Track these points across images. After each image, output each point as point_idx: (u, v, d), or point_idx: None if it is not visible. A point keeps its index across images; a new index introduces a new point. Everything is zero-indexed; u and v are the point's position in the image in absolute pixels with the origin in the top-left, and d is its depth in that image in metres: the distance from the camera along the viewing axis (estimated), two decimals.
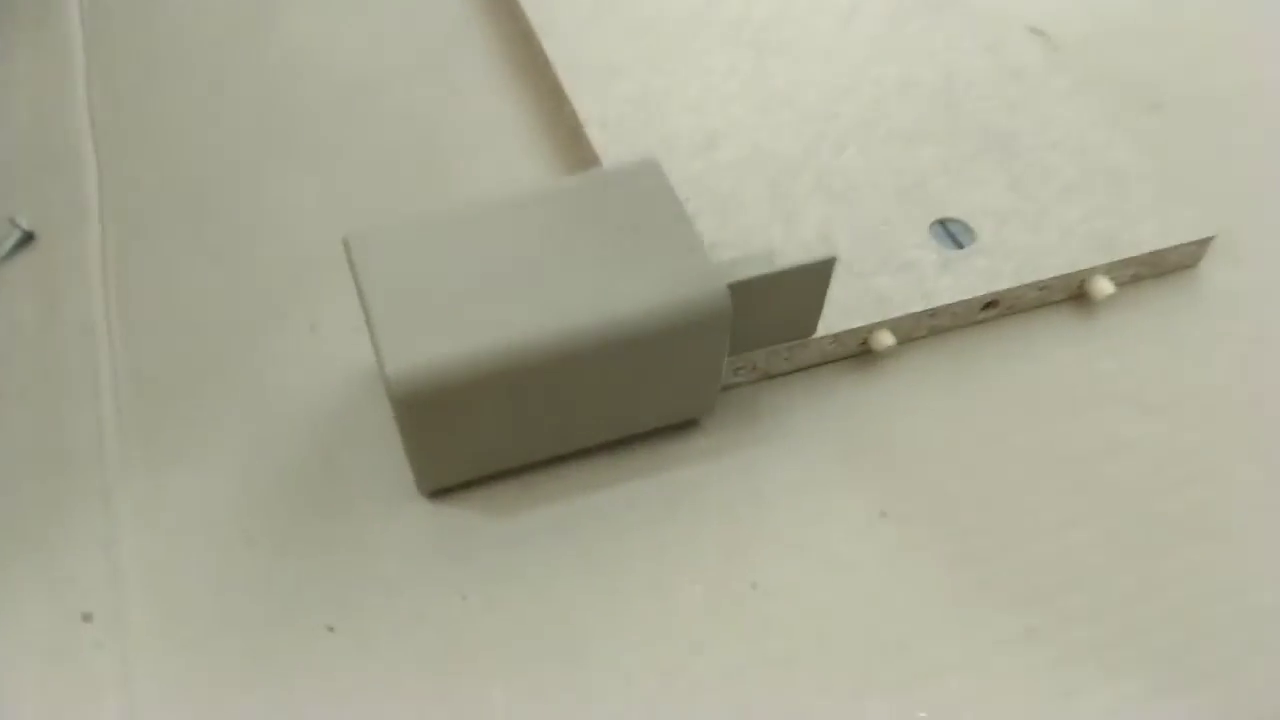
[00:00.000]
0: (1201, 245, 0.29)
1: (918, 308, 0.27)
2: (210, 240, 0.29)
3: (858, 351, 0.27)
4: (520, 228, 0.23)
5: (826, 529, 0.24)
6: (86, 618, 0.22)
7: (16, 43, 0.35)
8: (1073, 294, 0.28)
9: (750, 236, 0.28)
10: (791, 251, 0.24)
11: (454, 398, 0.21)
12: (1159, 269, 0.29)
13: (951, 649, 0.23)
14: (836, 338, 0.26)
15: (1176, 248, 0.29)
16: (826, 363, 0.27)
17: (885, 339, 0.27)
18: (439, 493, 0.24)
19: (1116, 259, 0.28)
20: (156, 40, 0.35)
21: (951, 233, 0.28)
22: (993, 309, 0.28)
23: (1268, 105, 0.34)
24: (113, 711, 0.21)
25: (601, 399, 0.23)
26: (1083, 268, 0.28)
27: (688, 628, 0.23)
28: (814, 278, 0.24)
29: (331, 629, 0.22)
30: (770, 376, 0.27)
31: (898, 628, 0.23)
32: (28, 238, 0.29)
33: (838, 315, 0.26)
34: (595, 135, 0.30)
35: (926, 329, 0.27)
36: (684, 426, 0.26)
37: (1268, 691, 0.22)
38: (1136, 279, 0.29)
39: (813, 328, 0.25)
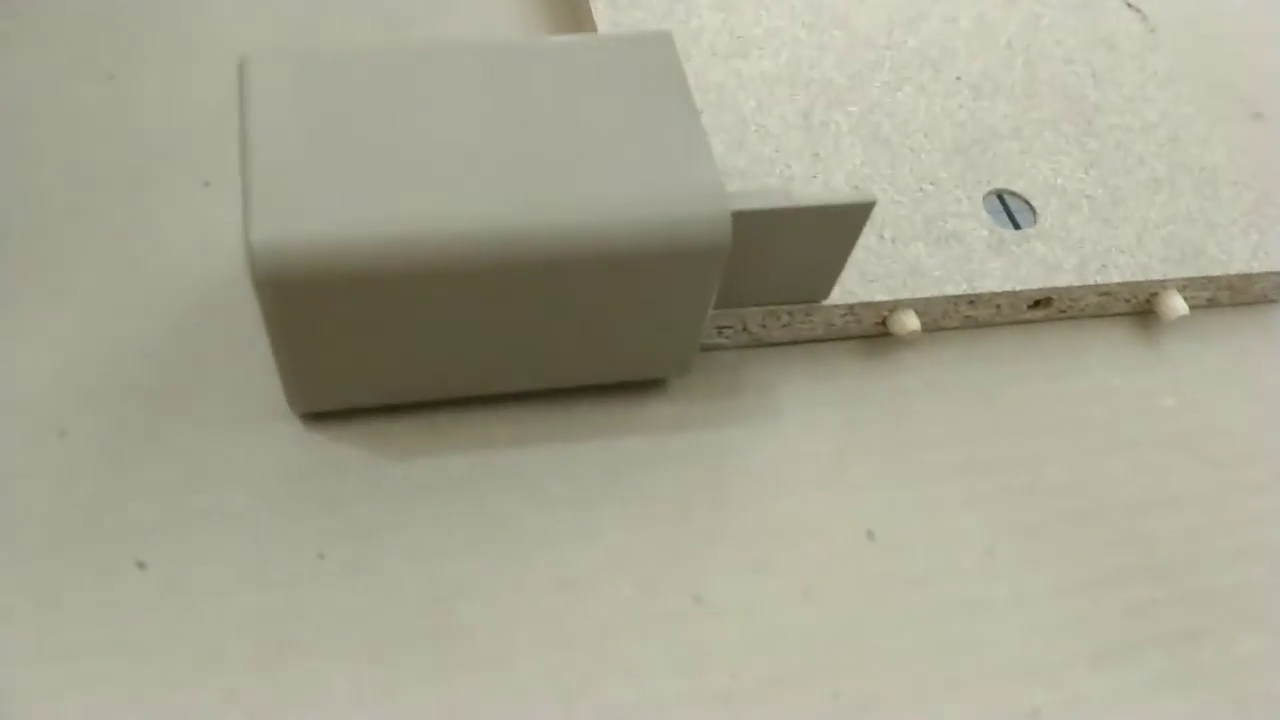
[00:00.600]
0: None
1: (955, 291, 0.22)
2: (105, 54, 0.23)
3: (874, 332, 0.22)
4: (476, 88, 0.17)
5: (799, 542, 0.19)
6: None
7: None
8: (1139, 307, 0.23)
9: (767, 170, 0.22)
10: (815, 192, 0.18)
11: (343, 290, 0.15)
12: (1242, 297, 0.24)
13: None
14: (852, 309, 0.21)
15: (1269, 275, 0.24)
16: (833, 339, 0.22)
17: (910, 322, 0.21)
18: (316, 416, 0.19)
19: (1198, 275, 0.23)
20: None
21: (1010, 208, 0.23)
22: (1042, 308, 0.23)
23: None
24: None
25: (543, 332, 0.18)
26: (1156, 278, 0.23)
27: (603, 638, 0.18)
28: (843, 225, 0.18)
29: (142, 565, 0.17)
30: (762, 344, 0.22)
31: (863, 683, 0.18)
32: None
33: (857, 282, 0.21)
34: (600, 9, 0.24)
35: (960, 319, 0.22)
36: (646, 387, 0.20)
37: None
38: (1214, 304, 0.24)
39: (827, 291, 0.20)
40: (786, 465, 0.20)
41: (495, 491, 0.19)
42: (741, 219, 0.17)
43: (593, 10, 0.24)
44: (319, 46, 0.17)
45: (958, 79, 0.25)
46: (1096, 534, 0.20)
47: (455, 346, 0.17)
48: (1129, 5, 0.30)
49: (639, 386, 0.20)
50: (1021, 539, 0.20)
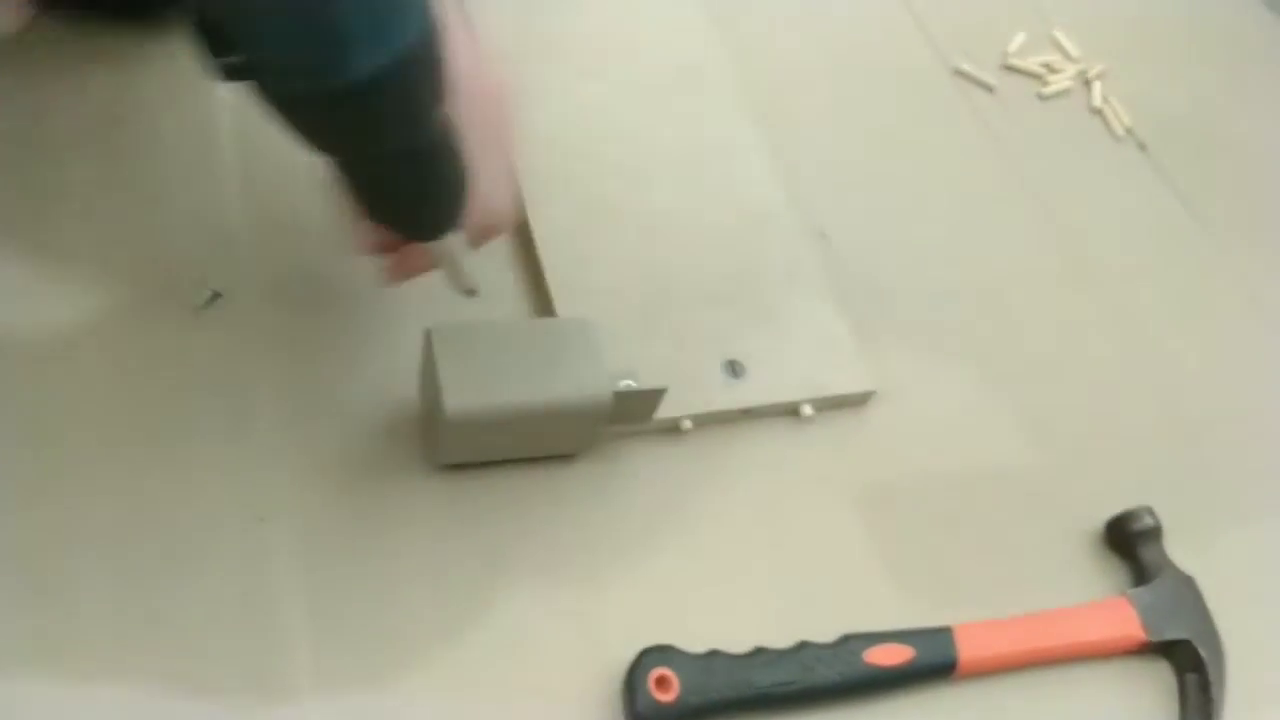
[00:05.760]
0: (867, 394, 0.53)
1: (707, 409, 0.49)
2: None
3: (670, 428, 0.50)
4: (518, 339, 0.44)
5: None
6: None
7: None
8: (789, 411, 0.52)
9: (629, 356, 0.50)
10: (647, 375, 0.46)
11: (472, 425, 0.42)
12: (842, 404, 0.53)
13: None
14: (660, 420, 0.49)
15: (856, 394, 0.52)
16: (651, 432, 0.49)
17: (686, 424, 0.49)
18: (448, 467, 0.45)
19: (818, 395, 0.52)
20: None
21: (733, 367, 0.51)
22: (748, 413, 0.51)
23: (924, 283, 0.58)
24: None
25: (542, 437, 0.45)
26: (798, 398, 0.51)
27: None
28: (654, 395, 0.46)
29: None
30: (625, 436, 0.49)
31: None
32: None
33: (662, 409, 0.49)
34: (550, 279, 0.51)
35: (710, 420, 0.50)
36: (570, 457, 0.48)
37: None
38: (829, 406, 0.53)
39: (650, 416, 0.48)
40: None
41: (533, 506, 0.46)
42: (617, 395, 0.44)
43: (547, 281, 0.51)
44: (470, 323, 0.44)
45: (704, 300, 0.53)
46: (735, 532, 0.49)
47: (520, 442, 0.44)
48: (820, 235, 0.59)
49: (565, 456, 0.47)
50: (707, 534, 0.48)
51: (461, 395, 0.42)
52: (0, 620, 0.39)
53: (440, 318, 0.44)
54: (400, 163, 0.37)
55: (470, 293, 0.44)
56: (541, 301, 0.52)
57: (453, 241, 0.42)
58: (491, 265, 0.52)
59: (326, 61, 0.31)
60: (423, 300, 0.50)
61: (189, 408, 0.45)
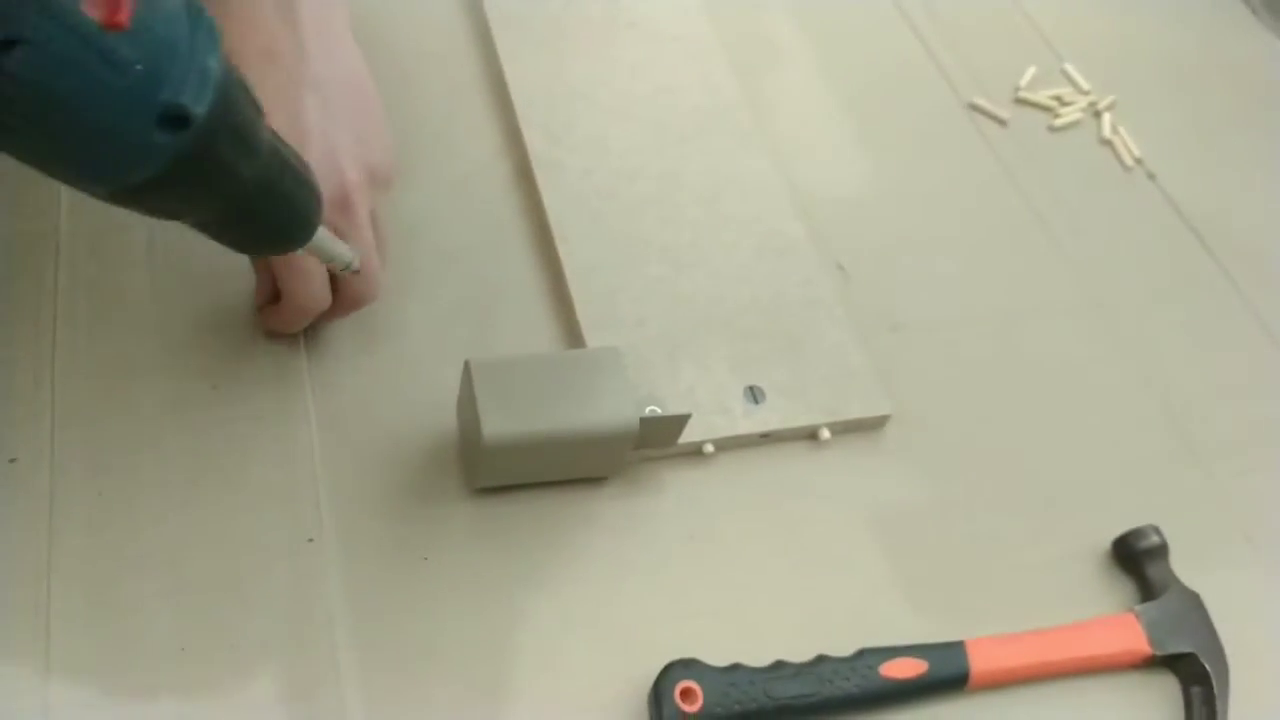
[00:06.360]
0: (883, 418, 0.55)
1: (729, 433, 0.52)
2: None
3: (694, 451, 0.52)
4: (550, 370, 0.47)
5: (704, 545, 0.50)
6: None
7: None
8: (808, 435, 0.54)
9: (654, 384, 0.52)
10: (671, 402, 0.49)
11: (508, 448, 0.45)
12: (858, 427, 0.55)
13: None
14: (684, 444, 0.51)
15: (872, 418, 0.55)
16: (676, 455, 0.52)
17: (709, 447, 0.52)
18: (485, 490, 0.48)
19: (835, 419, 0.54)
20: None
21: (753, 393, 0.54)
22: (768, 437, 0.53)
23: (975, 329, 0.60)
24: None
25: (573, 461, 0.48)
26: (816, 422, 0.54)
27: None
28: (679, 421, 0.49)
29: (426, 558, 0.46)
30: (651, 459, 0.52)
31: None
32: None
33: (686, 433, 0.51)
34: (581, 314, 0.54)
35: (732, 444, 0.53)
36: (599, 479, 0.50)
37: None
38: (846, 430, 0.55)
39: (674, 441, 0.50)
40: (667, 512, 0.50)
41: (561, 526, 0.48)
42: (643, 420, 0.47)
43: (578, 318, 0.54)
44: (502, 355, 0.47)
45: (734, 332, 0.56)
46: (770, 547, 0.51)
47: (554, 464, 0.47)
48: (839, 267, 0.61)
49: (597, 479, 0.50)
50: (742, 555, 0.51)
51: (498, 422, 0.45)
52: (67, 638, 0.42)
53: (476, 352, 0.47)
54: (240, 201, 0.34)
55: (349, 268, 0.43)
56: (571, 332, 0.55)
57: (320, 235, 0.40)
58: (524, 300, 0.56)
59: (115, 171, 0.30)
60: (458, 336, 0.53)
61: (243, 435, 0.48)
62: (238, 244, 0.37)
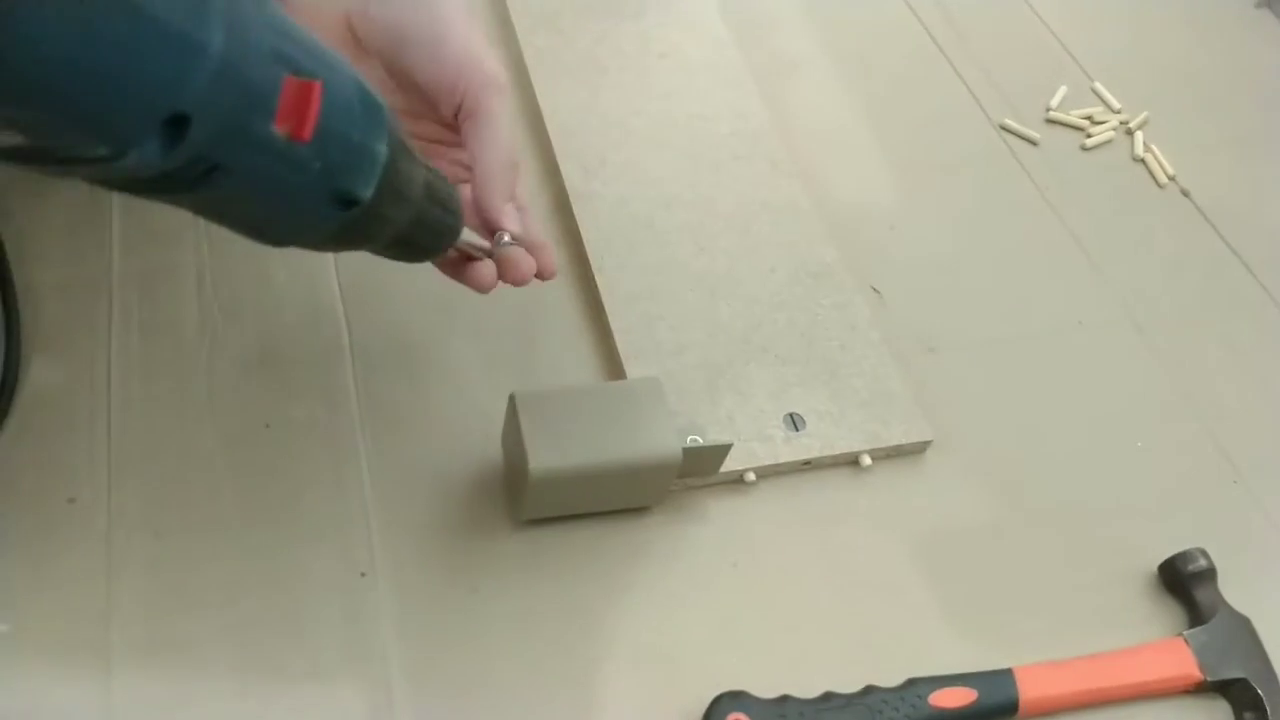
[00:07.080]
0: (924, 443, 0.55)
1: (770, 461, 0.52)
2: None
3: (736, 480, 0.53)
4: (593, 402, 0.47)
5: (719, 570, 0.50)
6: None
7: None
8: (849, 462, 0.54)
9: (695, 412, 0.53)
10: (712, 429, 0.49)
11: (554, 482, 0.46)
12: (900, 453, 0.55)
13: None
14: (726, 472, 0.52)
15: (913, 444, 0.55)
16: (719, 484, 0.52)
17: (751, 476, 0.52)
18: (530, 521, 0.49)
19: (877, 446, 0.54)
20: None
21: (794, 421, 0.54)
22: (809, 464, 0.54)
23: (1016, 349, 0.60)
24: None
25: (617, 491, 0.48)
26: (857, 449, 0.54)
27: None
28: (721, 450, 0.49)
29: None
30: (693, 488, 0.52)
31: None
32: None
33: (728, 462, 0.52)
34: (620, 344, 0.55)
35: (773, 472, 0.53)
36: (643, 509, 0.51)
37: None
38: (887, 457, 0.55)
39: (717, 469, 0.51)
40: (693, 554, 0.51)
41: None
42: (686, 450, 0.48)
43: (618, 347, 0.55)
44: (543, 388, 0.47)
45: (773, 358, 0.56)
46: (816, 570, 0.51)
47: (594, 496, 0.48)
48: (873, 289, 0.62)
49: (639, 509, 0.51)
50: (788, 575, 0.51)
51: (545, 456, 0.45)
52: (127, 676, 0.43)
53: (519, 384, 0.48)
54: (396, 236, 0.38)
55: (492, 249, 0.44)
56: (612, 361, 0.55)
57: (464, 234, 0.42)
58: (564, 331, 0.56)
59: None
60: (501, 369, 0.54)
61: (295, 472, 0.49)
62: (394, 258, 0.41)
